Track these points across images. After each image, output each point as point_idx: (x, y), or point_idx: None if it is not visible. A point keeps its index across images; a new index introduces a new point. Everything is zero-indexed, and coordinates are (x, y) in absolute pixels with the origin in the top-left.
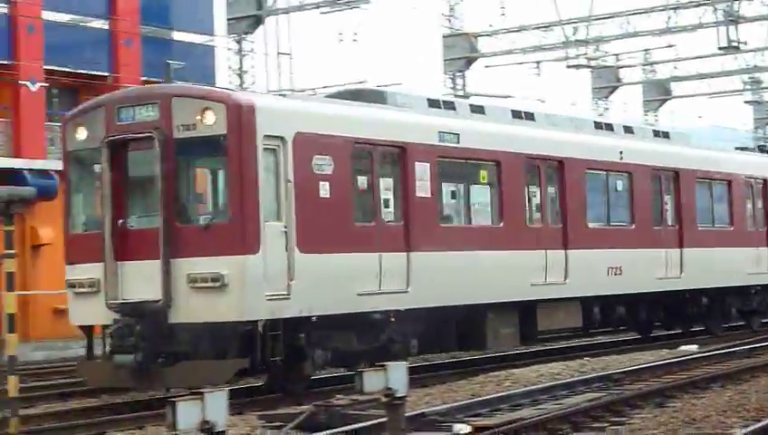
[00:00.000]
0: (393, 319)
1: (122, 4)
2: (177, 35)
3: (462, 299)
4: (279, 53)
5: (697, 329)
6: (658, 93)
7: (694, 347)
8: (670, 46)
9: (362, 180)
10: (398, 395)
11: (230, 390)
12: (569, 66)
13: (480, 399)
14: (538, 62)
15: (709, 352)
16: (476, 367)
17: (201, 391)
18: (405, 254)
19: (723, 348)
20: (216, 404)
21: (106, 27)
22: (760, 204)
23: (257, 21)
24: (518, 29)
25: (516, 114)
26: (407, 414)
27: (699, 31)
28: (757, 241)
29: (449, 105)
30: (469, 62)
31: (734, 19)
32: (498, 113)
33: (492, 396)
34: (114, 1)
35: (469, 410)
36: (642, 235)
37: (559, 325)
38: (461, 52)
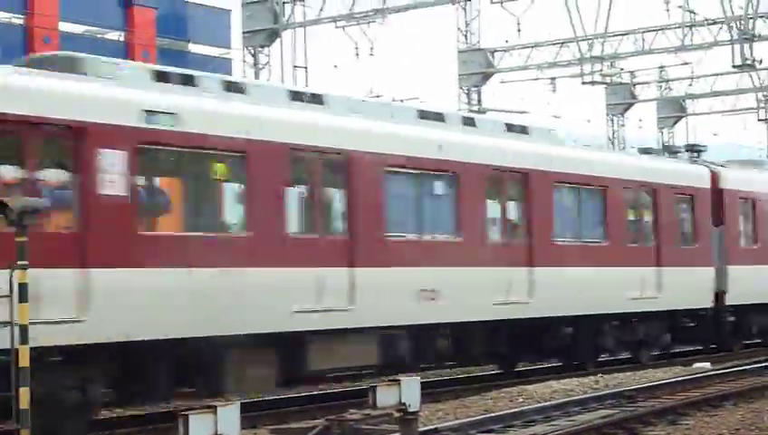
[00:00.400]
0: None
1: (139, 17)
2: (194, 48)
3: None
4: (295, 66)
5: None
6: (673, 110)
7: (707, 365)
8: (685, 64)
9: None
10: (411, 410)
11: (242, 403)
12: (584, 82)
13: (493, 415)
14: (553, 78)
15: (722, 369)
16: (490, 383)
17: (214, 404)
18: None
19: (736, 366)
20: (229, 417)
21: (122, 39)
22: (648, 216)
23: (274, 34)
24: (533, 45)
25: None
26: (420, 429)
27: (714, 48)
28: (643, 260)
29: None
30: (485, 77)
31: (748, 37)
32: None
33: (505, 412)
34: (131, 13)
35: (482, 426)
36: (472, 250)
37: (342, 363)
38: (477, 67)
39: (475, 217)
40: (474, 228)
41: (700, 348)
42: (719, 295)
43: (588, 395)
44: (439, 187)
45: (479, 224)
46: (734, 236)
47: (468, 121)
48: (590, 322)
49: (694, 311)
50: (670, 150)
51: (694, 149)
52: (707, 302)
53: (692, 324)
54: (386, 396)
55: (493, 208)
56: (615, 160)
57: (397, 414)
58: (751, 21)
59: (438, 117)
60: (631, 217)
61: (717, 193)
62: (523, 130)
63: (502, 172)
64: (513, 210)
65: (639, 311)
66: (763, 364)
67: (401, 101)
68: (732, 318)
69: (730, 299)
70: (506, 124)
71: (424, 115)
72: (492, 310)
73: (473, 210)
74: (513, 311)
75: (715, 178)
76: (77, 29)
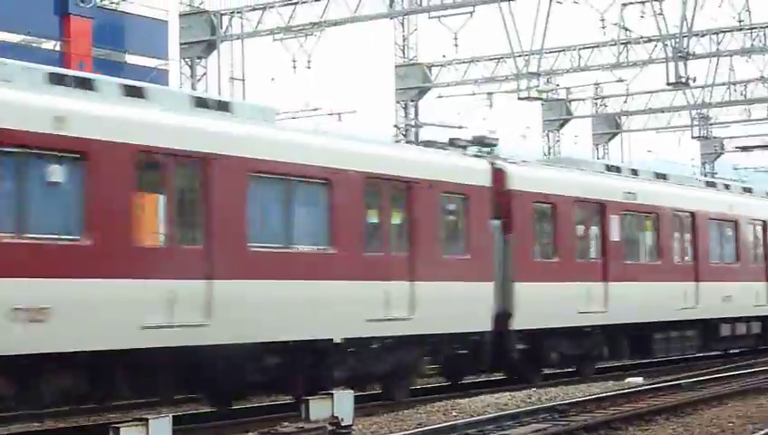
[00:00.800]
0: None
1: (75, 27)
2: (131, 59)
3: None
4: (232, 78)
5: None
6: (608, 127)
7: (640, 379)
8: (620, 81)
9: None
10: (344, 424)
11: (177, 416)
12: (520, 98)
13: (427, 428)
14: (490, 94)
15: (655, 384)
16: (425, 396)
17: (146, 416)
18: None
19: (668, 381)
20: (161, 430)
21: (58, 49)
22: (398, 218)
23: (211, 46)
24: (471, 60)
25: None
26: None
27: (649, 66)
28: (390, 272)
29: None
30: (421, 91)
31: (683, 55)
32: None
33: (438, 426)
34: (67, 23)
35: None
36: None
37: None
38: (414, 81)
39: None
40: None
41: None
42: (503, 317)
43: (521, 409)
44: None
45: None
46: (526, 248)
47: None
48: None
49: (466, 335)
50: (456, 144)
51: (483, 143)
52: (484, 325)
53: (463, 351)
54: (318, 409)
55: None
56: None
57: (330, 427)
58: (685, 39)
59: None
60: (373, 220)
61: (505, 195)
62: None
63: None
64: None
65: (388, 335)
66: (696, 379)
67: (338, 115)
68: (522, 345)
69: (519, 322)
70: None
71: None
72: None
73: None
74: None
75: (500, 176)
76: (12, 38)
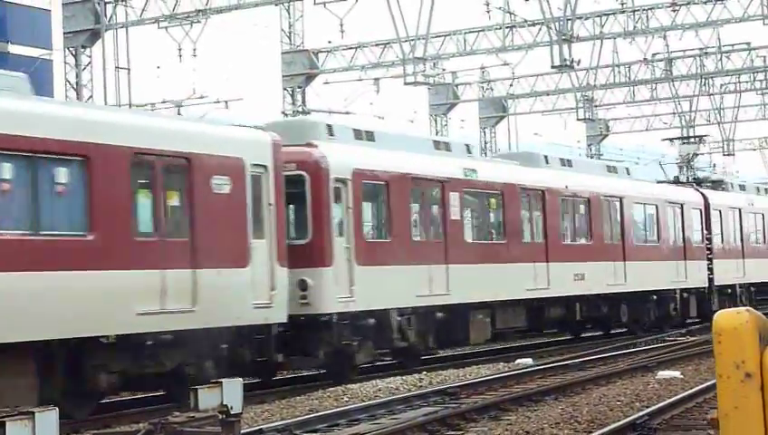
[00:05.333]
0: None
1: None
2: (14, 48)
3: None
4: (117, 68)
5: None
6: (495, 110)
7: (529, 360)
8: (506, 64)
9: None
10: (234, 412)
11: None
12: (406, 83)
13: (318, 414)
14: (377, 79)
15: (544, 365)
16: (316, 382)
17: (32, 410)
18: None
19: (557, 361)
20: (47, 423)
21: None
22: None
23: (95, 35)
24: (357, 46)
25: None
26: (244, 431)
27: (534, 49)
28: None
29: None
30: (308, 78)
31: (567, 38)
32: None
33: (330, 411)
34: None
35: (307, 426)
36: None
37: None
38: (300, 68)
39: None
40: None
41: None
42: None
43: (412, 393)
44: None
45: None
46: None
47: None
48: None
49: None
50: None
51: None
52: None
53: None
54: (207, 398)
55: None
56: None
57: (220, 416)
58: (569, 22)
59: None
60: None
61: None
62: None
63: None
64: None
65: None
66: (584, 359)
67: (225, 102)
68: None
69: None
70: None
71: None
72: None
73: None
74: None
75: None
76: None
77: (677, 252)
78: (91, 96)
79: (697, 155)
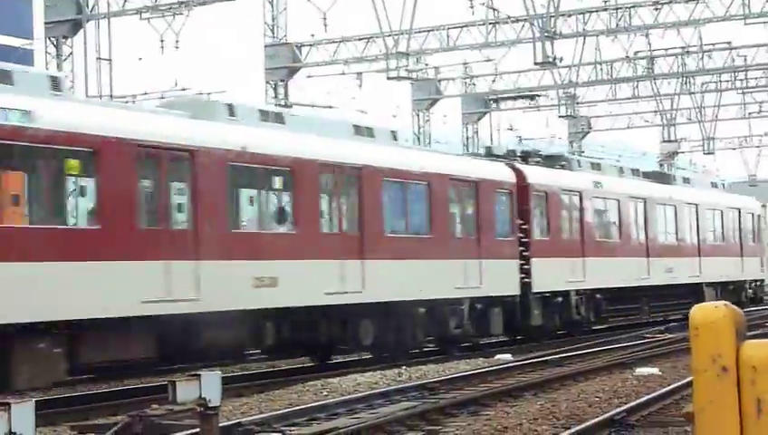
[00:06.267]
0: None
1: None
2: None
3: None
4: (98, 59)
5: None
6: (477, 107)
7: (509, 356)
8: (489, 60)
9: None
10: (212, 405)
11: (43, 400)
12: (389, 78)
13: (297, 408)
14: (359, 73)
15: (523, 360)
16: (295, 376)
17: (7, 401)
18: None
19: (536, 357)
20: (23, 415)
21: None
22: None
23: (77, 25)
24: (340, 40)
25: None
26: (222, 424)
27: (517, 46)
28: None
29: None
30: (291, 71)
31: (550, 35)
32: None
33: (309, 405)
34: None
35: (286, 420)
36: None
37: None
38: (283, 61)
39: None
40: None
41: None
42: None
43: (391, 387)
44: None
45: None
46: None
47: None
48: None
49: None
50: None
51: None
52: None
53: None
54: (186, 391)
55: None
56: None
57: (198, 409)
58: (552, 19)
59: None
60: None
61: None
62: None
63: None
64: None
65: None
66: (563, 355)
67: (207, 95)
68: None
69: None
70: None
71: None
72: None
73: None
74: None
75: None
76: None
77: (465, 247)
78: (71, 87)
79: (678, 153)
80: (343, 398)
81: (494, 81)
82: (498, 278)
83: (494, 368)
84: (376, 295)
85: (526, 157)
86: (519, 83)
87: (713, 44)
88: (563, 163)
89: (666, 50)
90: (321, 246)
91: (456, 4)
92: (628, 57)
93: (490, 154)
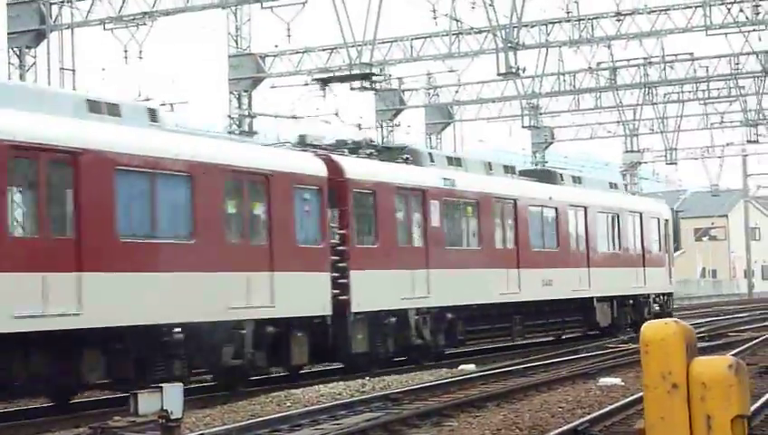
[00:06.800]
0: None
1: None
2: None
3: None
4: (62, 69)
5: None
6: (441, 117)
7: (472, 366)
8: (452, 71)
9: None
10: (174, 417)
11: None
12: (352, 88)
13: (260, 419)
14: (323, 83)
15: (486, 371)
16: (258, 387)
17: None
18: None
19: (500, 368)
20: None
21: None
22: None
23: (40, 35)
24: (304, 50)
25: None
26: None
27: (480, 56)
28: None
29: None
30: (255, 82)
31: (513, 46)
32: None
33: (272, 417)
34: None
35: (248, 432)
36: None
37: None
38: (247, 72)
39: None
40: None
41: None
42: None
43: (354, 398)
44: None
45: None
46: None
47: None
48: None
49: None
50: None
51: None
52: None
53: None
54: (147, 403)
55: None
56: None
57: (160, 421)
58: (515, 30)
59: None
60: None
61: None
62: None
63: None
64: None
65: None
66: (526, 365)
67: (171, 105)
68: None
69: None
70: None
71: None
72: None
73: None
74: None
75: None
76: None
77: (250, 257)
78: None
79: (640, 163)
80: (306, 409)
81: (457, 91)
82: (299, 295)
83: (458, 378)
84: (101, 319)
85: (356, 148)
86: (482, 94)
87: (675, 55)
88: (407, 157)
89: (628, 61)
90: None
91: (419, 14)
92: (590, 68)
93: (304, 144)
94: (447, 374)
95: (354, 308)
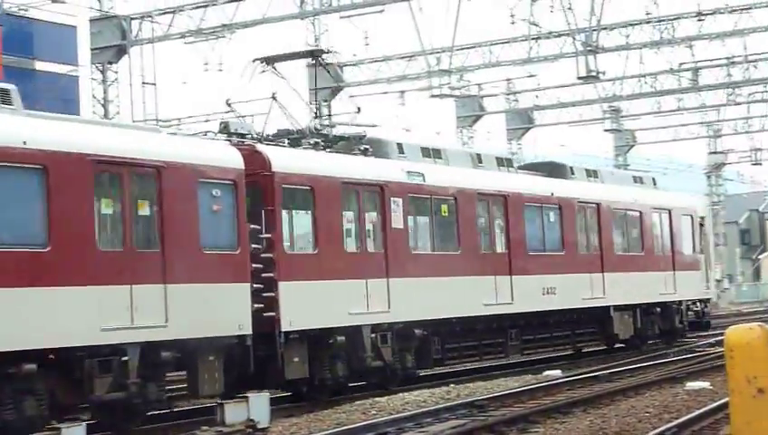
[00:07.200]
0: None
1: None
2: (40, 65)
3: None
4: (144, 83)
5: None
6: (521, 122)
7: (558, 372)
8: (531, 76)
9: None
10: (260, 426)
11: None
12: (432, 96)
13: (346, 428)
14: (402, 92)
15: (572, 376)
16: (343, 395)
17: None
18: None
19: (586, 373)
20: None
21: None
22: None
23: (122, 51)
24: (382, 59)
25: None
26: None
27: (560, 60)
28: None
29: None
30: (334, 91)
31: (592, 49)
32: None
33: (358, 425)
34: None
35: None
36: None
37: None
38: (326, 81)
39: None
40: None
41: None
42: None
43: (440, 406)
44: None
45: None
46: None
47: None
48: None
49: None
50: None
51: None
52: None
53: None
54: (234, 413)
55: None
56: None
57: (247, 431)
58: (594, 33)
59: None
60: None
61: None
62: None
63: None
64: None
65: None
66: (613, 370)
67: (251, 117)
68: None
69: None
70: None
71: None
72: None
73: None
74: None
75: None
76: None
77: (133, 265)
78: (117, 112)
79: (725, 164)
80: (392, 417)
81: (536, 96)
82: (204, 311)
83: (543, 384)
84: None
85: (299, 138)
86: (562, 98)
87: (759, 54)
88: (366, 148)
89: (711, 61)
90: None
91: (497, 20)
92: (672, 69)
93: (228, 132)
94: (533, 380)
95: (285, 327)
